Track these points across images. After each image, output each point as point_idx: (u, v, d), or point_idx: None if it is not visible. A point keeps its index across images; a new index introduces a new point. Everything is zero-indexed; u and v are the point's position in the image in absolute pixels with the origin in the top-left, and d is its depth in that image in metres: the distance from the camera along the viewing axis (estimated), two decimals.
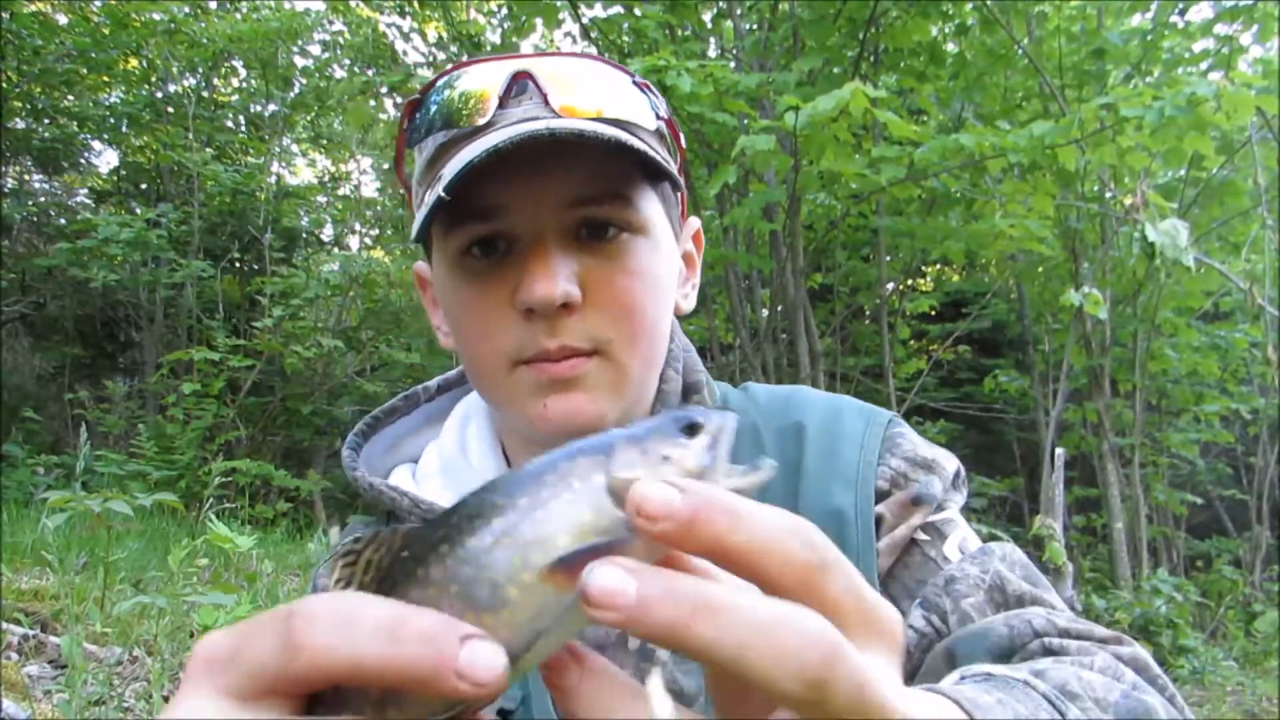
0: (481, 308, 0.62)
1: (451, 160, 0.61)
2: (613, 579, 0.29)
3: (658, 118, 0.68)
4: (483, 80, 0.63)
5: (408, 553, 0.34)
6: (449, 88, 0.63)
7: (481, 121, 0.61)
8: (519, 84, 0.62)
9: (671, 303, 0.69)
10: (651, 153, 0.61)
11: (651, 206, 0.66)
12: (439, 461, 0.72)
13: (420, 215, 0.62)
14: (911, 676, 0.59)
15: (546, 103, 0.62)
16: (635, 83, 0.67)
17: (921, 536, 0.66)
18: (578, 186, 0.61)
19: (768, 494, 0.61)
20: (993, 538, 0.71)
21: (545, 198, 0.60)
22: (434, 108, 0.63)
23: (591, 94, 0.63)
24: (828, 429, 0.70)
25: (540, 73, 0.63)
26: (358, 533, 0.69)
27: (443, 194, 0.56)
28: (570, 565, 0.32)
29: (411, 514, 0.67)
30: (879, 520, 0.66)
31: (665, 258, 0.66)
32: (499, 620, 0.32)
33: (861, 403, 0.75)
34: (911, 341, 8.46)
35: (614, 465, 0.34)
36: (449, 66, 0.66)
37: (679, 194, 0.72)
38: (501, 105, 0.62)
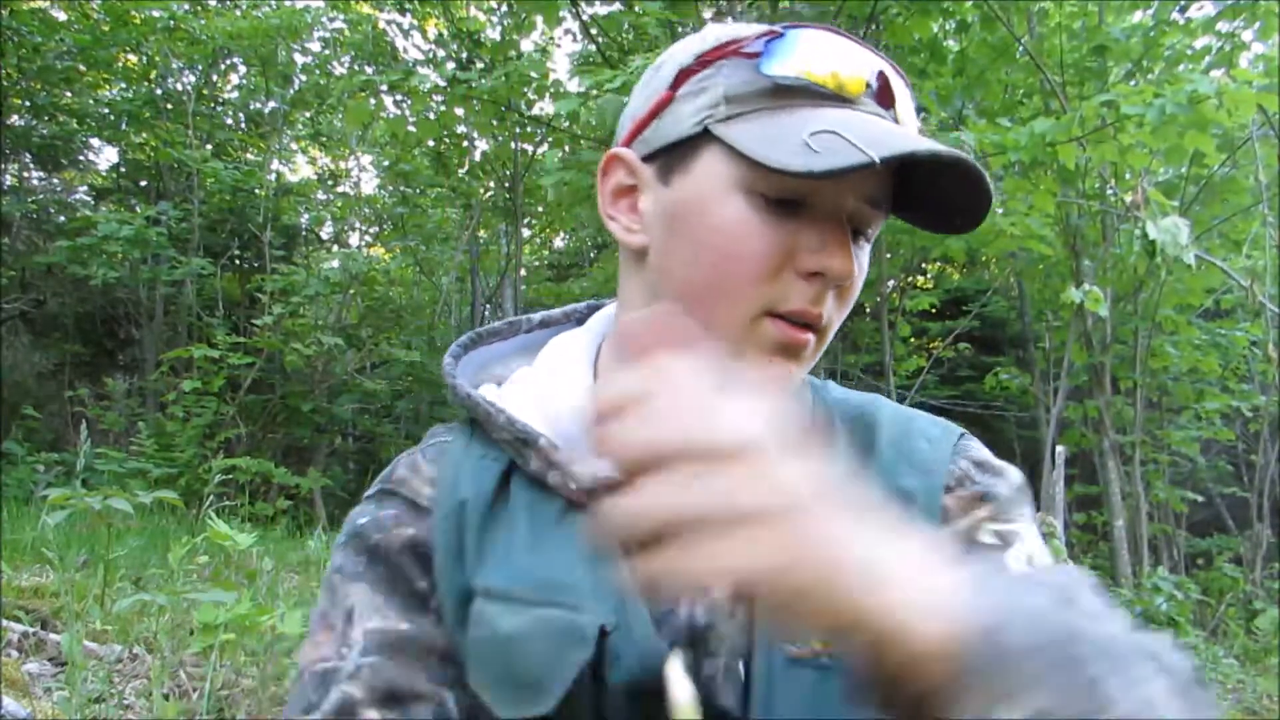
0: (763, 252, 0.60)
1: (825, 114, 0.60)
2: None
3: None
4: (857, 57, 0.63)
5: None
6: (820, 43, 0.62)
7: (848, 95, 0.62)
8: (877, 81, 0.63)
9: None
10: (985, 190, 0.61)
11: None
12: (534, 390, 0.71)
13: (798, 146, 0.58)
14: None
15: (890, 105, 0.63)
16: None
17: (987, 540, 0.67)
18: (877, 189, 0.63)
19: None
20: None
21: (858, 187, 0.62)
22: (805, 53, 0.61)
23: (909, 107, 0.65)
24: (900, 423, 0.72)
25: (891, 76, 0.64)
26: (441, 437, 0.72)
27: (877, 160, 0.55)
28: None
29: (502, 431, 0.66)
30: (945, 511, 0.67)
31: None
32: None
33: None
34: (912, 339, 8.47)
35: None
36: (794, 25, 0.63)
37: None
38: (865, 90, 0.63)
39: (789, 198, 0.60)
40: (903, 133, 0.61)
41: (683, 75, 0.64)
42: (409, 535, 0.66)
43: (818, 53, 0.61)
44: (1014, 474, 0.71)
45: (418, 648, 0.62)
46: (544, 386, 0.70)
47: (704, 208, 0.62)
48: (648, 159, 0.66)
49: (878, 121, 0.61)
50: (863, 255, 0.64)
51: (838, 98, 0.61)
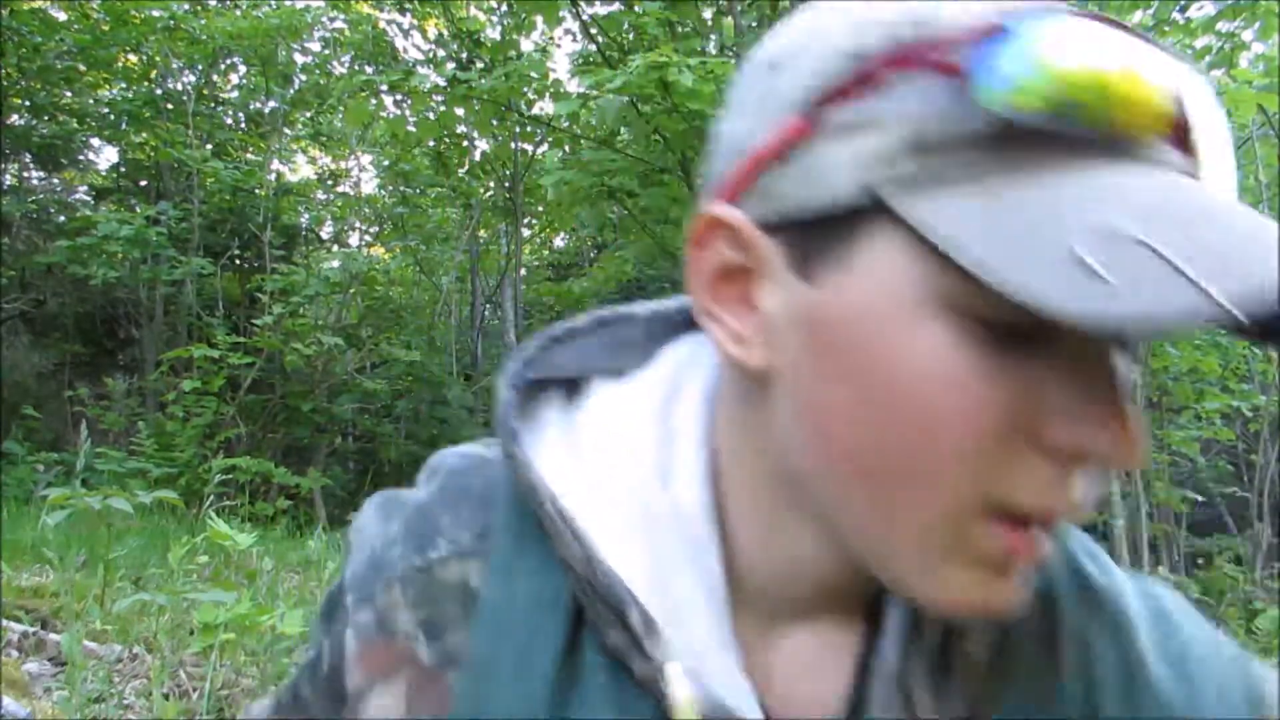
0: (982, 414, 0.36)
1: (1102, 181, 0.34)
2: None
3: None
4: (1148, 64, 0.34)
5: None
6: (1079, 41, 0.34)
7: (1139, 137, 0.35)
8: (1181, 115, 0.36)
9: None
10: None
11: None
12: (625, 477, 0.45)
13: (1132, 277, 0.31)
14: None
15: (1185, 147, 0.36)
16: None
17: None
18: None
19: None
20: None
21: None
22: (1054, 62, 0.33)
23: (1225, 152, 0.38)
24: (1169, 626, 0.49)
25: (1191, 107, 0.36)
26: (453, 533, 0.47)
27: (1242, 318, 0.29)
28: None
29: (576, 563, 0.43)
30: None
31: None
32: None
33: None
34: None
35: None
36: (1027, 7, 0.36)
37: None
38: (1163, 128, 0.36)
39: (1023, 325, 0.35)
40: (1251, 232, 0.33)
41: (831, 97, 0.37)
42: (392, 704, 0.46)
43: (1079, 63, 0.34)
44: None
45: None
46: (651, 496, 0.45)
47: (878, 332, 0.37)
48: (773, 228, 0.40)
49: (1192, 194, 0.35)
50: (1123, 363, 0.39)
51: (1115, 141, 0.35)
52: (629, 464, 0.45)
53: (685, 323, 0.51)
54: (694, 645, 0.42)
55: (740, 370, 0.42)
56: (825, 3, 0.41)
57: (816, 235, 0.38)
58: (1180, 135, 0.36)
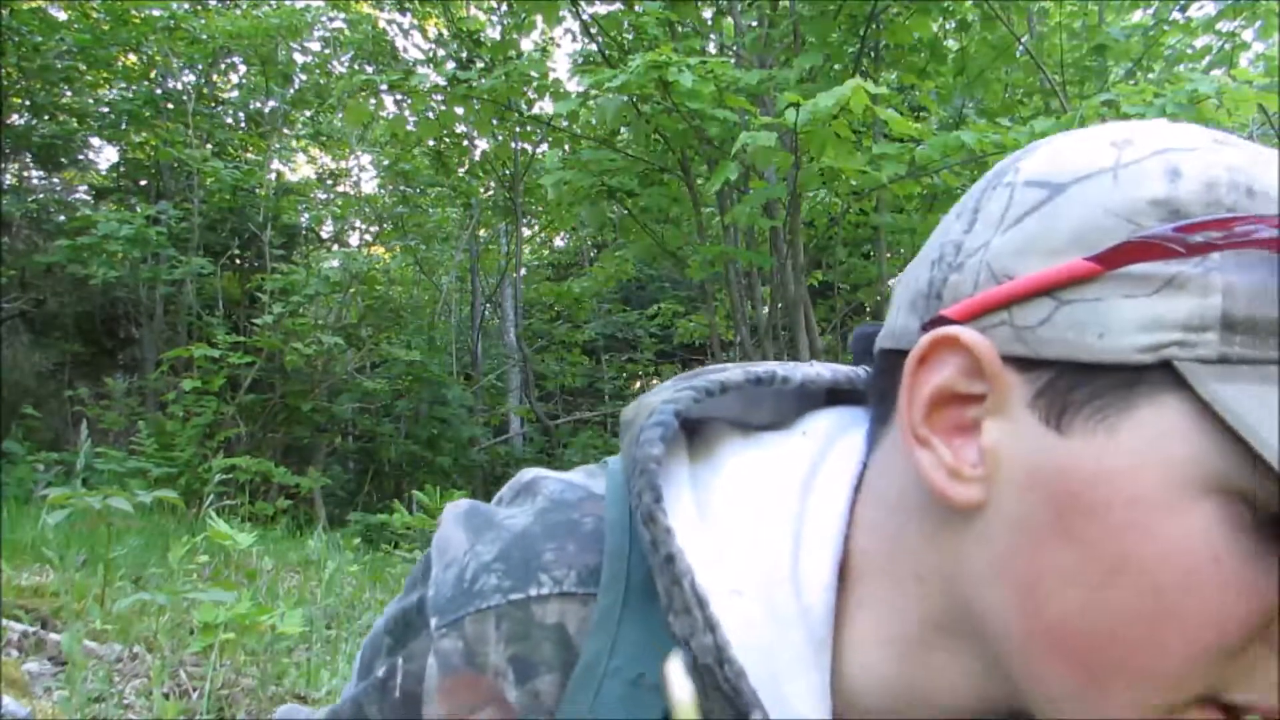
0: (1240, 610, 0.33)
1: None
2: None
3: None
4: None
5: None
6: None
7: None
8: None
9: None
10: None
11: None
12: (761, 585, 0.41)
13: None
14: None
15: None
16: None
17: None
18: None
19: None
20: None
21: None
22: None
23: None
24: None
25: None
26: (551, 573, 0.43)
27: None
28: None
29: (699, 651, 0.39)
30: None
31: None
32: None
33: None
34: None
35: None
36: None
37: None
38: None
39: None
40: None
41: (1131, 248, 0.34)
42: None
43: None
44: None
45: None
46: (778, 582, 0.41)
47: (1134, 502, 0.34)
48: (1022, 363, 0.37)
49: None
50: None
51: None
52: (763, 549, 0.42)
53: (834, 393, 0.49)
54: None
55: (940, 500, 0.39)
56: (1120, 126, 0.38)
57: (1083, 386, 0.35)
58: None
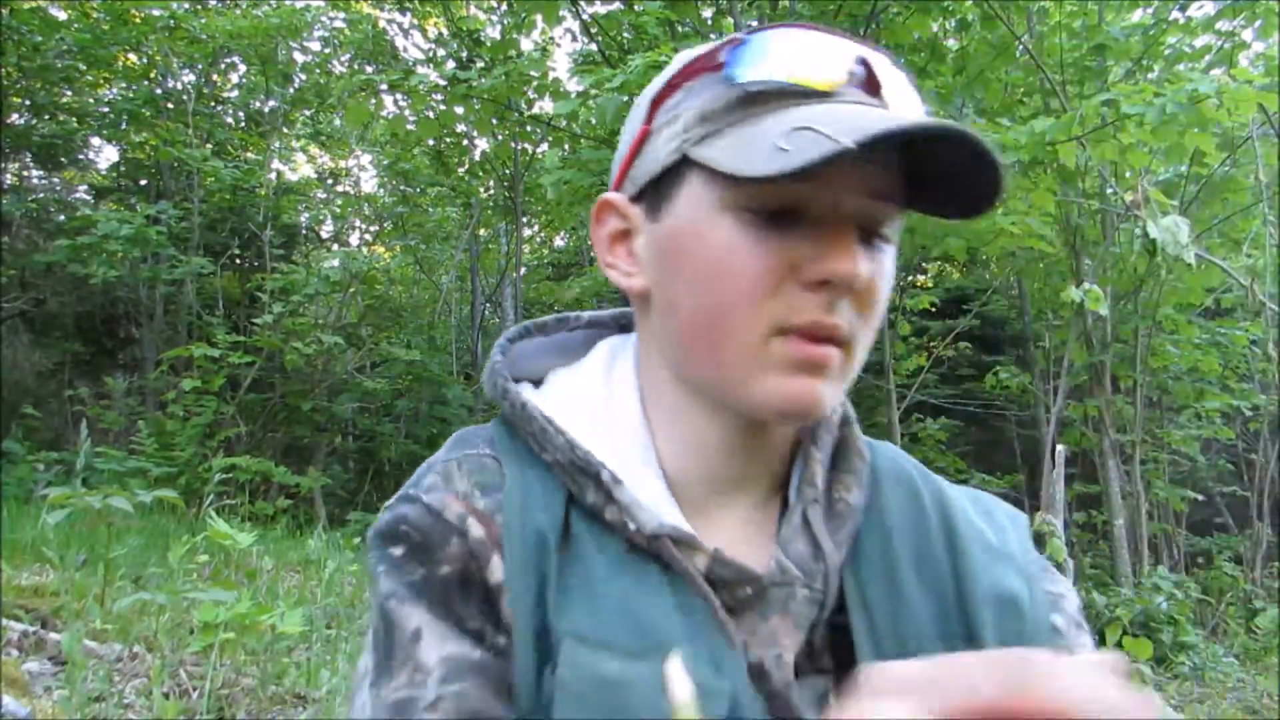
0: (757, 270, 0.56)
1: (800, 111, 0.55)
2: None
3: None
4: (831, 48, 0.58)
5: None
6: (788, 40, 0.58)
7: (826, 88, 0.56)
8: (859, 68, 0.58)
9: None
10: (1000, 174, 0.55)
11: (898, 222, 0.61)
12: (584, 405, 0.64)
13: (768, 152, 0.53)
14: None
15: (876, 92, 0.58)
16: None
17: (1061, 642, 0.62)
18: (881, 182, 0.57)
19: (924, 547, 0.60)
20: None
21: (856, 183, 0.56)
22: (773, 54, 0.57)
23: (912, 101, 0.59)
24: (978, 502, 0.67)
25: (874, 62, 0.58)
26: (476, 449, 0.63)
27: (852, 144, 0.50)
28: None
29: (558, 453, 0.60)
30: (1056, 630, 0.61)
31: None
32: None
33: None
34: (912, 338, 8.46)
35: None
36: (760, 26, 0.60)
37: None
38: (846, 80, 0.57)
39: (781, 208, 0.56)
40: (885, 114, 0.55)
41: (656, 105, 0.61)
42: (456, 569, 0.58)
43: (787, 50, 0.57)
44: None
45: (494, 676, 0.56)
46: (594, 399, 0.64)
47: (694, 236, 0.58)
48: (636, 199, 0.62)
49: (860, 109, 0.55)
50: (882, 257, 0.59)
51: (815, 94, 0.56)
52: (585, 399, 0.64)
53: (613, 325, 0.72)
54: (649, 499, 0.58)
55: (634, 296, 0.63)
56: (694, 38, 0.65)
57: (659, 191, 0.60)
58: (871, 87, 0.57)
